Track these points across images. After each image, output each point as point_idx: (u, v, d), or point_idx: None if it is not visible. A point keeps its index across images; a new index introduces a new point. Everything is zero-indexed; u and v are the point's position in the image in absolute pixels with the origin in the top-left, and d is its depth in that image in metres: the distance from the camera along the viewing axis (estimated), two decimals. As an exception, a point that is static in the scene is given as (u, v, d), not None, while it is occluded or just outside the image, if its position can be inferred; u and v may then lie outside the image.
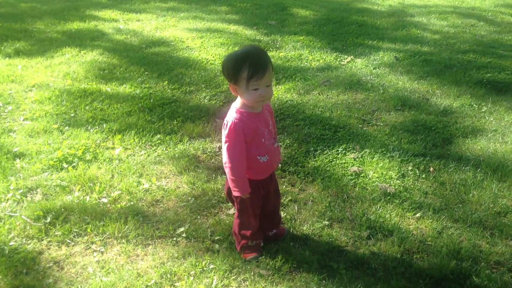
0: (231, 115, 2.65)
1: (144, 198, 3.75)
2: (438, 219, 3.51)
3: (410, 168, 4.25)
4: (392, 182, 4.01)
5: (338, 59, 7.36)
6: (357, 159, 4.41)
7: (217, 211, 3.62)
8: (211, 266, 2.99)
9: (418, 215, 3.57)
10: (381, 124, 5.22)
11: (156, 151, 4.54)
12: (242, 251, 3.08)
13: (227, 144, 2.65)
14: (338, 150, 4.56)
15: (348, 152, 4.53)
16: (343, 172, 4.19)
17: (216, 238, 3.28)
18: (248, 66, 2.47)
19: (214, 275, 2.90)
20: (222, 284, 2.85)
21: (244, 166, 2.68)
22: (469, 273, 2.95)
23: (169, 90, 6.13)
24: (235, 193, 2.76)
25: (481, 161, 4.36)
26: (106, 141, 4.73)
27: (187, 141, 4.74)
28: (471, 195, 3.83)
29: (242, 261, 3.05)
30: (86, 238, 3.27)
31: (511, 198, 3.80)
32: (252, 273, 2.93)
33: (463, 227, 3.43)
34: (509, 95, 5.98)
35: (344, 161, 4.37)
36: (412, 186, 3.98)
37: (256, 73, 2.47)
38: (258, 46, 2.73)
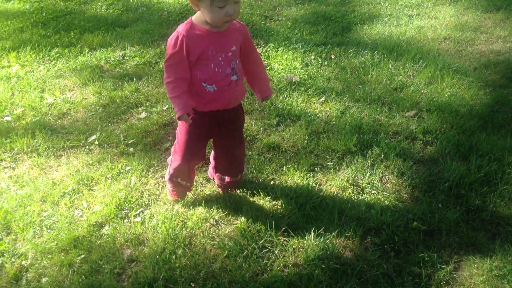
0: (181, 26, 2.21)
1: (50, 112, 3.63)
2: (341, 101, 3.72)
3: (313, 57, 4.40)
4: (296, 72, 4.15)
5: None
6: (262, 54, 4.47)
7: (127, 117, 3.59)
8: (128, 168, 3.02)
9: (322, 99, 3.75)
10: (283, 18, 5.27)
11: (56, 65, 4.34)
12: (169, 182, 2.71)
13: (166, 58, 2.25)
14: (243, 47, 4.58)
15: (253, 48, 4.57)
16: (250, 67, 4.25)
17: (129, 142, 3.29)
18: None
19: (131, 176, 2.95)
20: (140, 182, 2.91)
21: (182, 85, 2.24)
22: (370, 144, 3.20)
23: (61, 3, 5.75)
24: (175, 113, 2.30)
25: (378, 44, 4.59)
26: (1, 60, 4.43)
27: (87, 52, 4.55)
28: (370, 75, 4.06)
29: (158, 160, 3.11)
30: (-8, 157, 3.16)
31: (405, 75, 4.08)
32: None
33: (363, 105, 3.67)
34: (403, -19, 6.20)
35: (250, 56, 4.42)
36: (315, 73, 4.14)
37: None
38: None
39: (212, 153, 2.80)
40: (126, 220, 2.63)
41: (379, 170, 2.94)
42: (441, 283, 2.21)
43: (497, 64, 4.23)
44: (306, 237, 2.46)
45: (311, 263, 2.31)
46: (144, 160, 3.08)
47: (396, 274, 2.26)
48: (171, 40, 2.20)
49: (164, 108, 3.66)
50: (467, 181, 2.78)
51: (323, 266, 2.30)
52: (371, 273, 2.26)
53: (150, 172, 3.00)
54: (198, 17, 2.22)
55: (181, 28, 2.20)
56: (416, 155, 3.08)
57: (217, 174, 2.79)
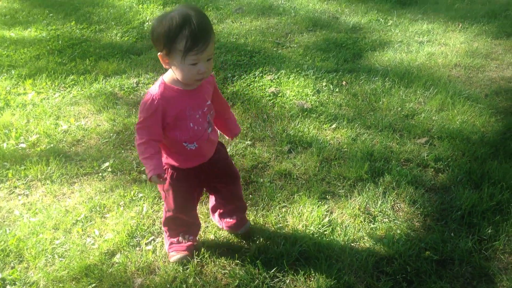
0: (154, 88, 2.11)
1: (64, 139, 3.69)
2: (352, 128, 3.73)
3: (324, 84, 4.43)
4: (308, 99, 4.18)
5: (249, -15, 7.30)
6: (274, 80, 4.52)
7: (140, 144, 3.63)
8: (140, 195, 3.05)
9: (333, 126, 3.77)
10: (295, 45, 5.33)
11: (71, 93, 4.42)
12: (169, 248, 2.58)
13: (138, 120, 2.13)
14: (255, 74, 4.64)
15: (264, 74, 4.63)
16: (261, 94, 4.30)
17: (142, 169, 3.32)
18: (186, 35, 1.92)
19: (143, 203, 2.97)
20: (152, 210, 2.93)
21: (155, 146, 2.13)
22: (382, 171, 3.20)
23: (77, 30, 5.88)
24: (146, 174, 2.17)
25: (388, 70, 4.61)
26: (17, 87, 4.53)
27: (102, 80, 4.63)
28: (381, 102, 4.08)
29: (170, 186, 3.13)
30: (8, 183, 3.20)
31: (416, 101, 4.09)
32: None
33: (375, 132, 3.68)
34: (412, 8, 6.27)
35: (261, 83, 4.47)
36: (327, 100, 4.16)
37: (196, 45, 1.94)
38: (197, 7, 2.06)
39: (211, 203, 2.77)
40: (137, 248, 2.64)
41: (391, 198, 2.93)
42: (454, 314, 2.18)
43: (508, 91, 4.22)
44: (318, 267, 2.45)
45: (322, 292, 2.30)
46: (156, 187, 3.11)
47: (408, 305, 2.24)
48: (145, 103, 2.09)
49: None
50: (480, 210, 2.76)
51: (334, 295, 2.28)
52: (383, 303, 2.25)
53: (162, 200, 3.02)
54: (170, 76, 2.13)
55: (155, 91, 2.09)
56: (427, 182, 3.07)
57: (225, 219, 2.72)
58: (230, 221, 2.68)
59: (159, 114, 2.08)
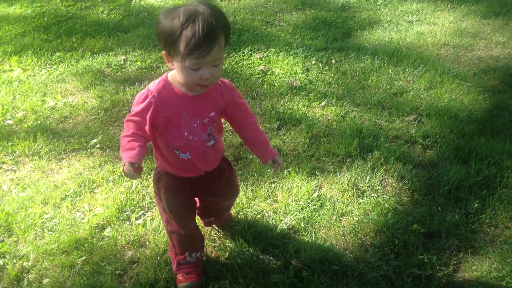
0: (153, 84, 1.89)
1: (51, 116, 3.65)
2: (341, 105, 3.74)
3: (313, 62, 4.42)
4: (297, 77, 4.17)
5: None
6: (263, 59, 4.50)
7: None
8: (129, 171, 3.04)
9: (323, 103, 3.77)
10: (284, 24, 5.30)
11: (57, 70, 4.36)
12: (176, 269, 2.32)
13: (130, 113, 1.89)
14: (244, 52, 4.62)
15: (254, 53, 4.61)
16: (251, 72, 4.28)
17: (131, 145, 3.30)
18: (188, 37, 1.67)
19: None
20: (142, 185, 2.92)
21: (140, 140, 1.82)
22: (371, 148, 3.21)
23: (63, 8, 5.79)
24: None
25: (378, 49, 4.62)
26: (2, 64, 4.46)
27: (89, 57, 4.58)
28: (370, 80, 4.09)
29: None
30: (-6, 159, 3.17)
31: (405, 80, 4.10)
32: (170, 172, 3.03)
33: (364, 110, 3.69)
34: (402, -13, 6.24)
35: (251, 61, 4.45)
36: (316, 78, 4.16)
37: (197, 49, 1.68)
38: (212, 3, 1.78)
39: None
40: (127, 222, 2.64)
41: (379, 174, 2.95)
42: (440, 285, 2.22)
43: (496, 70, 4.25)
44: (307, 240, 2.47)
45: (311, 265, 2.32)
46: (145, 163, 3.10)
47: (395, 276, 2.27)
48: (139, 97, 1.88)
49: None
50: (466, 185, 2.80)
51: (323, 267, 2.31)
52: (371, 274, 2.28)
53: (151, 175, 3.01)
54: (174, 75, 1.88)
55: (153, 87, 1.88)
56: (416, 159, 3.10)
57: (204, 217, 2.56)
58: (212, 220, 2.55)
59: (150, 112, 1.84)
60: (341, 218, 2.64)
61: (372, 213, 2.65)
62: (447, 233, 2.50)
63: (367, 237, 2.51)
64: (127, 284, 2.27)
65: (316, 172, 3.01)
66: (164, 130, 1.92)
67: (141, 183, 2.92)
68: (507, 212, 2.62)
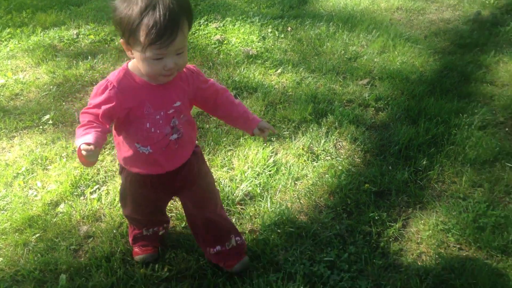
0: (113, 74, 1.72)
1: (2, 94, 3.55)
2: (297, 72, 3.76)
3: (269, 30, 4.41)
4: (254, 45, 4.16)
5: None
6: (219, 28, 4.47)
7: (82, 95, 3.55)
8: (84, 146, 3.00)
9: (279, 71, 3.79)
10: (240, -8, 5.26)
11: (7, 46, 4.24)
12: (132, 242, 2.27)
13: (86, 106, 1.69)
14: (200, 22, 4.57)
15: (210, 22, 4.57)
16: (207, 42, 4.25)
17: (85, 120, 3.26)
18: (148, 25, 1.51)
19: (87, 153, 2.93)
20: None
21: (95, 128, 1.59)
22: (325, 113, 3.26)
23: (11, -18, 5.57)
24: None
25: (333, 15, 4.64)
26: None
27: (40, 32, 4.45)
28: (325, 47, 4.11)
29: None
30: None
31: (359, 45, 4.14)
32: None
33: (319, 75, 3.72)
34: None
35: (206, 31, 4.41)
36: (272, 46, 4.16)
37: (159, 38, 1.52)
38: None
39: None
40: (82, 198, 2.63)
41: (333, 137, 3.00)
42: (390, 239, 2.30)
43: (446, 32, 4.34)
44: (263, 205, 2.51)
45: (267, 229, 2.36)
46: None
47: (348, 234, 2.34)
48: (98, 88, 1.69)
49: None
50: (416, 143, 2.88)
51: (278, 230, 2.36)
52: (324, 234, 2.34)
53: (105, 149, 2.99)
54: (135, 63, 1.72)
55: (113, 77, 1.70)
56: (368, 121, 3.16)
57: (206, 246, 2.17)
58: (218, 249, 2.13)
59: (109, 105, 1.65)
60: (296, 182, 2.68)
61: (326, 175, 2.70)
62: (397, 191, 2.58)
63: (321, 198, 2.57)
64: (82, 259, 2.27)
65: (272, 138, 3.04)
66: (125, 122, 1.75)
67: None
68: (454, 167, 2.71)
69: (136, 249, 2.24)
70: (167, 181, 1.93)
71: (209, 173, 2.13)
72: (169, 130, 1.79)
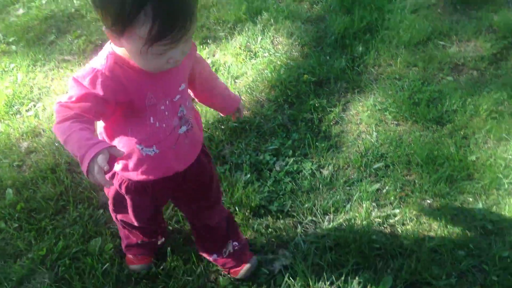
0: (98, 60, 1.24)
1: None
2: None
3: None
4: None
5: None
6: None
7: (4, 16, 3.37)
8: (12, 65, 2.87)
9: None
10: None
11: None
12: (126, 249, 1.90)
13: (64, 99, 1.21)
14: None
15: None
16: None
17: (10, 40, 3.09)
18: (151, 17, 1.06)
19: (17, 72, 2.80)
20: (28, 77, 2.77)
21: (82, 123, 1.18)
22: (259, 10, 3.19)
23: None
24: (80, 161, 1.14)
25: None
26: None
27: None
28: None
29: (43, 53, 2.96)
30: None
31: None
32: (56, 61, 2.90)
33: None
34: None
35: None
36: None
37: (167, 33, 1.10)
38: None
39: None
40: (18, 116, 2.55)
41: (270, 34, 2.98)
42: (331, 123, 2.37)
43: None
44: (203, 106, 2.50)
45: (211, 126, 2.38)
46: (28, 55, 2.93)
47: (291, 123, 2.39)
48: (82, 78, 1.20)
49: (44, 2, 3.42)
50: (351, 32, 2.90)
51: (222, 127, 2.38)
52: (268, 125, 2.38)
53: (37, 67, 2.87)
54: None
55: (101, 65, 1.22)
56: (303, 15, 3.14)
57: (204, 253, 1.88)
58: (217, 258, 1.85)
59: (101, 99, 1.21)
60: (236, 81, 2.68)
61: (266, 71, 2.70)
62: (335, 79, 2.63)
63: (262, 93, 2.59)
64: (27, 173, 2.23)
65: (208, 41, 3.00)
66: (122, 121, 1.34)
67: (26, 75, 2.78)
68: (389, 51, 2.77)
69: (130, 257, 1.89)
70: (172, 183, 1.54)
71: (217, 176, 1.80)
72: (177, 122, 1.40)
